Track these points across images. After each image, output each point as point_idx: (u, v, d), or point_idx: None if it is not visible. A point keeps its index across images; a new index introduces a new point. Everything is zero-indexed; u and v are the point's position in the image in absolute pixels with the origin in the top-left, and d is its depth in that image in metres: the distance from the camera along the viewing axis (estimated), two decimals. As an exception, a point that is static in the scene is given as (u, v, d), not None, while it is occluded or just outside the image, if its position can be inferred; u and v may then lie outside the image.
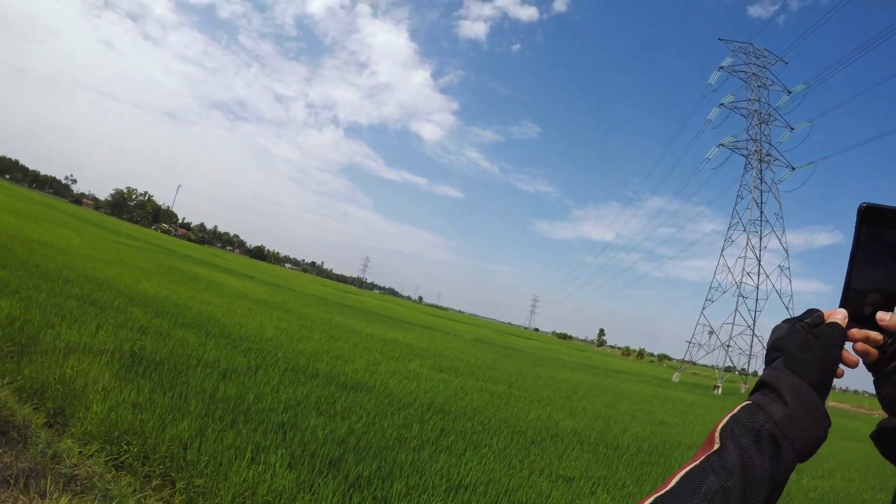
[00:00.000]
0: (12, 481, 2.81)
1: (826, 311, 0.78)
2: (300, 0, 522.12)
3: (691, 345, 50.52)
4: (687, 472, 0.66)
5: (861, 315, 0.76)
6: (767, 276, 47.48)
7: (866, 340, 0.75)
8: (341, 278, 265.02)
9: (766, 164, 48.99)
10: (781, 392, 0.70)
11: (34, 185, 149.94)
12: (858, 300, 0.77)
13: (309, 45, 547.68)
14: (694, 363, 67.81)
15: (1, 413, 3.45)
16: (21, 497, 2.71)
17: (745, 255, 47.80)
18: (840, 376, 0.76)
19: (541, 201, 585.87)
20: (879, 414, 0.76)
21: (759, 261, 47.53)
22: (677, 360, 67.11)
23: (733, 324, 46.85)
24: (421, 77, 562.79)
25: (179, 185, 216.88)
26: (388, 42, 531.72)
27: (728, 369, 47.51)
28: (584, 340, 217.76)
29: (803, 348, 0.73)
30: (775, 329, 0.79)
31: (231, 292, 17.35)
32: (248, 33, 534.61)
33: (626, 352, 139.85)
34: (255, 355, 7.46)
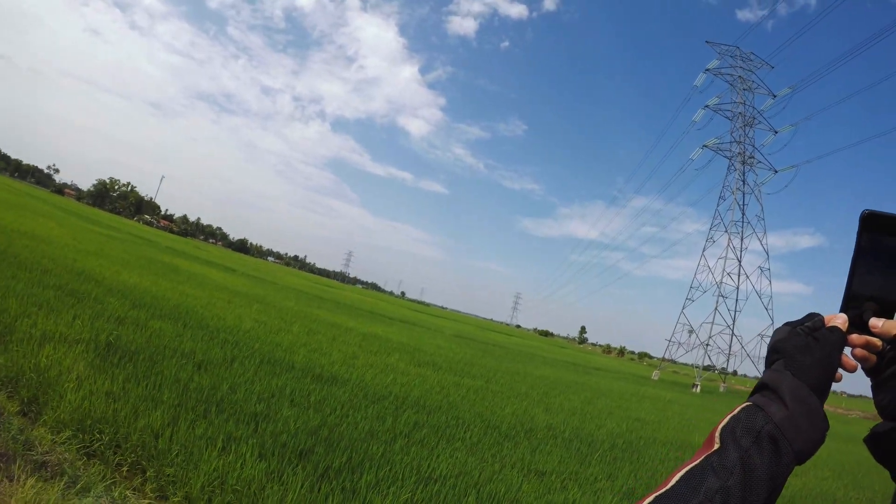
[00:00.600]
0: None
1: (827, 315, 0.78)
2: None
3: (671, 343, 51.40)
4: (687, 472, 0.67)
5: (861, 321, 0.77)
6: (748, 277, 48.48)
7: (866, 346, 0.76)
8: (324, 273, 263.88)
9: (749, 167, 49.86)
10: (781, 394, 0.71)
11: (16, 175, 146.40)
12: (859, 306, 0.78)
13: (297, 37, 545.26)
14: (674, 361, 68.92)
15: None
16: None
17: (727, 256, 48.78)
18: (839, 380, 0.76)
19: (526, 199, 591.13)
20: (856, 414, 0.82)
21: (740, 261, 48.50)
22: (657, 359, 67.97)
23: (713, 323, 47.78)
24: (409, 72, 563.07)
25: (163, 177, 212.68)
26: (376, 36, 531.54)
27: (707, 368, 48.43)
28: (566, 338, 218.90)
29: (803, 351, 0.74)
30: (776, 331, 0.80)
31: (211, 284, 17.23)
32: (236, 24, 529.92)
33: (607, 349, 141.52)
34: (232, 347, 7.49)
